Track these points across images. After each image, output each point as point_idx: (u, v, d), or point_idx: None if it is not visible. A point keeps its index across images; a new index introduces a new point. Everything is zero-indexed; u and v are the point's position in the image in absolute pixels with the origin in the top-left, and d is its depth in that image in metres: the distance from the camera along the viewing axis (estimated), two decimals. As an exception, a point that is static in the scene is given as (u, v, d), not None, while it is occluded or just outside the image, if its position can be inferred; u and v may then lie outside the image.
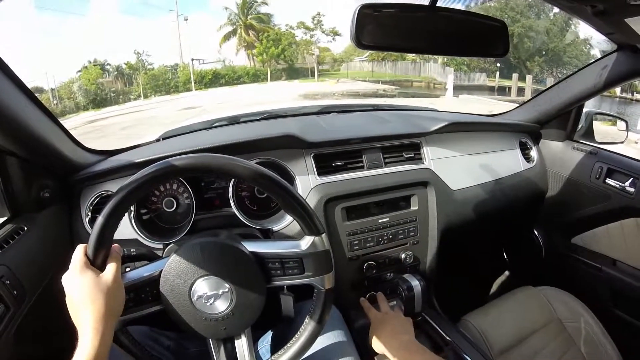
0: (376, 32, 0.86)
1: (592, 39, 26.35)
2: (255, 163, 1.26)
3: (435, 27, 0.90)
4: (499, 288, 2.26)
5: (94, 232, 0.78)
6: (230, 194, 1.29)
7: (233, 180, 1.29)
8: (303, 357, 0.95)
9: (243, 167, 0.82)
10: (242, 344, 0.94)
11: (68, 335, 0.78)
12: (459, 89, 23.65)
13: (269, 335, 1.17)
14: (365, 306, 1.33)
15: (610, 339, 1.38)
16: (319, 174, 1.38)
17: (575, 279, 1.84)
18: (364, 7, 0.83)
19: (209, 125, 1.76)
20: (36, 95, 1.05)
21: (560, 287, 1.57)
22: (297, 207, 0.86)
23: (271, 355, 0.96)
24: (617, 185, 1.63)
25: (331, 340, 1.12)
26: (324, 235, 0.89)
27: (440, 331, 1.33)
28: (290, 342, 0.94)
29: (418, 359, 1.04)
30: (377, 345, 1.16)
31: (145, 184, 0.80)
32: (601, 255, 1.74)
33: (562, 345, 1.38)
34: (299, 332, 0.94)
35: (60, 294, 0.77)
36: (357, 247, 1.40)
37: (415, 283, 1.35)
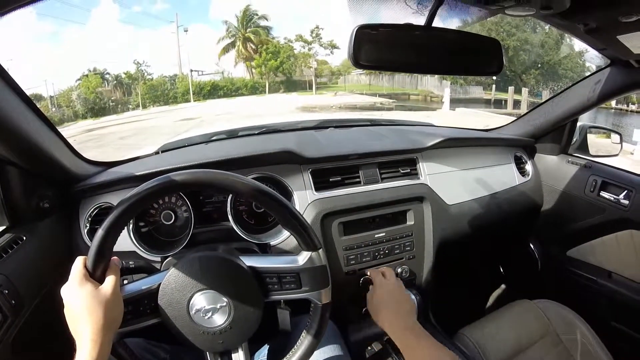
0: (373, 52, 0.88)
1: (587, 52, 26.55)
2: (254, 178, 1.28)
3: (431, 46, 0.92)
4: (495, 301, 2.26)
5: (93, 244, 0.78)
6: (228, 208, 1.30)
7: (231, 194, 1.30)
8: None
9: (242, 183, 0.84)
10: (239, 358, 0.94)
11: (65, 346, 0.78)
12: (455, 102, 23.74)
13: (265, 349, 1.17)
14: (373, 273, 1.31)
15: (607, 351, 1.38)
16: (316, 189, 1.39)
17: (572, 292, 1.85)
18: (362, 28, 0.85)
19: (208, 139, 1.76)
20: (35, 102, 1.06)
21: (557, 299, 1.57)
22: (295, 222, 0.87)
23: None
24: (612, 198, 1.64)
25: (327, 355, 1.12)
26: (321, 250, 0.90)
27: None
28: (287, 356, 0.94)
29: (423, 344, 1.02)
30: (380, 318, 1.15)
31: (146, 198, 0.81)
32: (597, 267, 1.75)
33: (558, 358, 1.38)
34: (295, 346, 0.94)
35: (58, 304, 0.78)
36: (353, 262, 1.41)
37: (412, 298, 1.35)
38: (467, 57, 0.97)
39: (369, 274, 1.33)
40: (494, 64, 0.99)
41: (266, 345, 1.19)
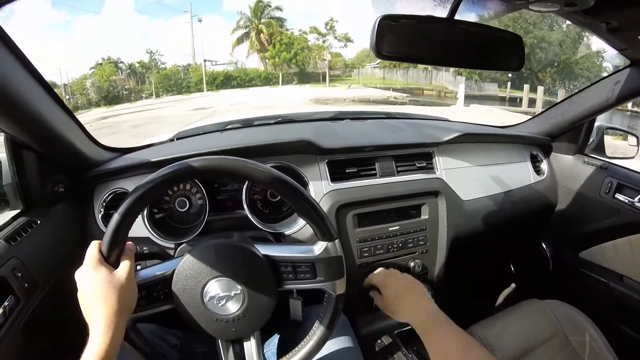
0: (395, 42, 0.87)
1: (605, 52, 26.21)
2: (271, 166, 1.28)
3: (452, 39, 0.91)
4: (505, 300, 2.25)
5: (109, 229, 0.79)
6: (243, 197, 1.30)
7: (247, 183, 1.30)
8: None
9: (259, 170, 0.84)
10: (250, 346, 0.94)
11: (78, 330, 0.78)
12: (469, 99, 23.52)
13: (275, 339, 1.18)
14: (374, 279, 1.30)
15: (615, 354, 1.37)
16: (332, 180, 1.39)
17: (582, 294, 1.84)
18: (384, 18, 0.84)
19: (223, 127, 1.76)
20: None
21: (567, 301, 1.56)
22: (312, 211, 0.87)
23: (278, 359, 0.97)
24: (627, 201, 1.62)
25: (338, 346, 1.13)
26: (337, 241, 0.90)
27: None
28: (299, 346, 0.95)
29: (442, 328, 1.01)
30: (400, 313, 1.14)
31: (163, 184, 0.81)
32: (608, 270, 1.73)
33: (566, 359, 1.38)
34: (307, 337, 0.95)
35: (72, 288, 0.79)
36: (366, 254, 1.41)
37: (419, 282, 1.34)
38: (489, 52, 0.97)
39: (372, 280, 1.31)
40: (516, 59, 0.98)
41: (276, 334, 1.19)
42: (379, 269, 1.33)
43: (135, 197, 0.79)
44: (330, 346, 1.11)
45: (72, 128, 1.19)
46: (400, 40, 0.88)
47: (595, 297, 1.76)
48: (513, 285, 2.29)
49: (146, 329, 1.09)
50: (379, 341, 1.33)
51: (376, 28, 0.84)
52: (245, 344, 0.95)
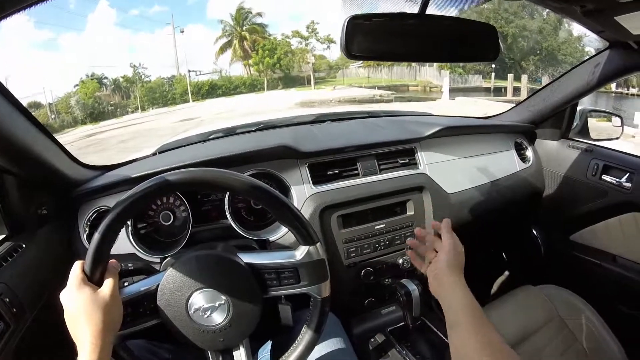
0: (366, 41, 0.87)
1: (587, 37, 26.45)
2: (251, 174, 1.28)
3: (425, 34, 0.91)
4: (499, 288, 2.25)
5: (90, 248, 0.79)
6: (226, 206, 1.30)
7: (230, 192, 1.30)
8: None
9: (236, 180, 0.84)
10: (240, 355, 0.94)
11: (68, 351, 0.78)
12: (455, 92, 23.68)
13: (268, 345, 1.16)
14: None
15: (612, 334, 1.38)
16: (314, 183, 1.38)
17: (575, 276, 1.85)
18: (354, 18, 0.84)
19: (205, 138, 1.75)
20: (34, 110, 1.06)
21: (561, 284, 1.56)
22: (291, 217, 0.87)
23: None
24: (614, 181, 1.63)
25: (330, 348, 1.13)
26: (318, 244, 0.90)
27: (441, 335, 1.32)
28: (288, 351, 0.94)
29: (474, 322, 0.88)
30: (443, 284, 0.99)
31: (141, 199, 0.81)
32: (600, 251, 1.74)
33: (564, 343, 1.37)
34: (296, 342, 0.94)
35: (60, 310, 0.78)
36: (354, 255, 1.41)
37: (413, 288, 1.32)
38: (463, 44, 0.96)
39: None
40: (491, 50, 0.98)
41: (269, 341, 1.18)
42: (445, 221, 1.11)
43: (114, 215, 0.79)
44: (322, 348, 1.11)
45: (52, 149, 1.18)
46: (371, 39, 0.87)
47: (589, 278, 1.77)
48: (506, 273, 2.30)
49: (137, 344, 1.09)
50: (372, 340, 1.32)
51: (345, 29, 0.84)
52: (235, 353, 0.94)
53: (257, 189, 0.85)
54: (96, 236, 0.78)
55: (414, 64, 29.24)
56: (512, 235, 2.21)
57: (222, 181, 0.83)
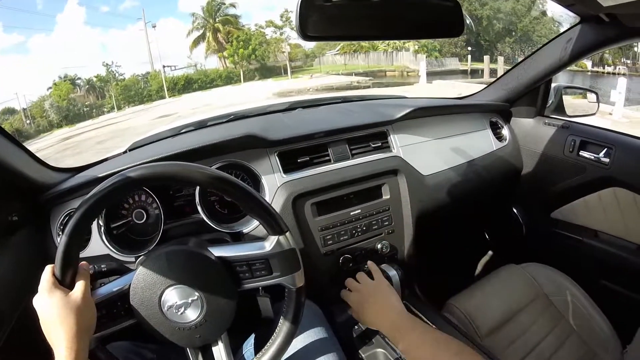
0: (322, 22, 0.84)
1: (562, 17, 26.82)
2: (220, 166, 1.25)
3: (386, 12, 0.88)
4: (482, 268, 2.27)
5: (59, 251, 0.78)
6: (197, 200, 1.26)
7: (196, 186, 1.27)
8: (284, 357, 0.95)
9: (199, 172, 0.81)
10: (219, 350, 0.93)
11: (49, 357, 0.77)
12: (432, 75, 23.90)
13: (252, 339, 1.15)
14: (344, 293, 1.25)
15: (599, 309, 1.39)
16: (285, 172, 1.36)
17: (558, 253, 1.86)
18: (307, -3, 0.81)
19: (176, 132, 1.72)
20: (8, 116, 1.02)
21: (544, 262, 1.58)
22: (257, 207, 0.86)
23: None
24: (592, 157, 1.63)
25: (313, 338, 1.11)
26: (287, 233, 0.88)
27: (425, 319, 1.30)
28: (267, 344, 0.93)
29: (411, 336, 0.98)
30: (364, 319, 1.14)
31: (103, 198, 0.79)
32: (582, 227, 1.75)
33: (551, 320, 1.39)
34: (274, 334, 0.93)
35: (37, 316, 0.77)
36: (330, 242, 1.38)
37: (393, 273, 1.30)
38: (427, 20, 0.93)
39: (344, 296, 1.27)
40: (455, 25, 0.95)
41: (252, 334, 1.17)
42: (347, 281, 1.27)
43: (78, 216, 0.77)
44: (304, 339, 1.09)
45: (16, 154, 1.15)
46: (327, 19, 0.84)
47: (571, 255, 1.78)
48: (489, 253, 2.31)
49: (121, 346, 1.08)
50: (356, 327, 1.30)
51: (299, 9, 0.80)
52: (214, 349, 0.93)
53: (220, 180, 0.83)
54: (63, 239, 0.77)
55: (390, 49, 29.45)
56: (493, 215, 2.22)
57: (185, 174, 0.81)
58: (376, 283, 1.20)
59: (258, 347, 1.08)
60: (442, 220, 1.80)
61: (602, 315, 1.37)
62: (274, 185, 1.34)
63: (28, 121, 26.08)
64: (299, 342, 1.03)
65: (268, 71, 32.69)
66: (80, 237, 0.80)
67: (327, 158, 1.42)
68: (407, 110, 1.54)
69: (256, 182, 1.34)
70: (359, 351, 1.21)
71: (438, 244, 2.01)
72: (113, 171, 1.15)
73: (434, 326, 1.13)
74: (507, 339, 1.33)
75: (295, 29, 0.84)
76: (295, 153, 1.39)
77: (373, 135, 1.52)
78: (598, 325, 1.36)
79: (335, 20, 0.85)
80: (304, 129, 1.43)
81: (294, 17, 0.82)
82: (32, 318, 0.80)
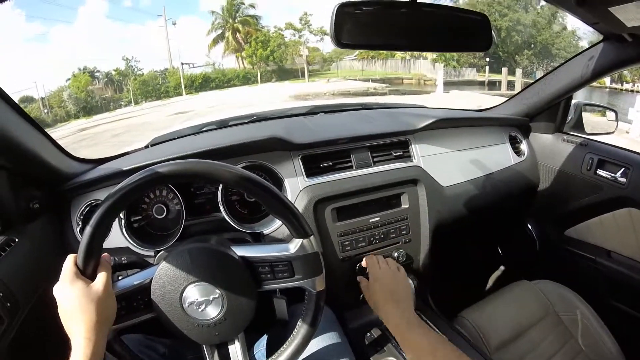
0: (356, 30, 0.86)
1: (579, 29, 26.59)
2: (243, 167, 1.26)
3: (417, 24, 0.90)
4: (494, 283, 2.25)
5: (82, 242, 0.78)
6: (219, 199, 1.28)
7: (221, 184, 1.28)
8: None
9: (227, 171, 0.82)
10: (236, 349, 0.93)
11: (63, 346, 0.77)
12: (449, 85, 23.74)
13: (264, 339, 1.16)
14: (369, 261, 1.29)
15: (608, 330, 1.38)
16: (308, 176, 1.36)
17: (570, 272, 1.84)
18: (343, 6, 0.83)
19: (198, 130, 1.73)
20: (26, 104, 1.05)
21: (556, 280, 1.57)
22: (284, 209, 0.86)
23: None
24: (609, 176, 1.62)
25: (326, 342, 1.12)
26: (312, 237, 0.89)
27: (436, 329, 1.31)
28: (284, 345, 0.94)
29: (414, 331, 1.02)
30: (379, 310, 1.16)
31: (131, 192, 0.80)
32: (595, 246, 1.74)
33: (559, 338, 1.38)
34: (292, 336, 0.94)
35: (54, 304, 0.77)
36: (348, 248, 1.39)
37: (409, 282, 1.32)
38: (455, 34, 0.96)
39: (364, 263, 1.30)
40: (484, 39, 0.97)
41: (265, 335, 1.18)
42: (378, 256, 1.31)
43: (105, 208, 0.78)
44: (318, 342, 1.10)
45: (42, 143, 1.17)
46: (361, 27, 0.87)
47: (583, 274, 1.76)
48: (501, 267, 2.29)
49: (134, 339, 1.09)
50: (368, 334, 1.31)
51: (334, 17, 0.82)
52: (230, 347, 0.94)
53: (248, 181, 0.84)
54: (88, 230, 0.78)
55: (408, 56, 29.34)
56: (507, 230, 2.21)
57: (214, 173, 0.82)
58: (402, 276, 1.23)
59: (270, 348, 1.09)
60: (458, 232, 1.80)
61: (610, 337, 1.36)
62: (297, 188, 1.35)
63: (45, 110, 26.25)
64: (312, 346, 1.02)
65: (285, 73, 32.68)
66: (105, 229, 0.80)
67: (350, 164, 1.43)
68: (430, 121, 1.54)
69: (278, 184, 1.35)
70: (371, 358, 1.22)
71: (452, 256, 2.00)
72: (138, 165, 1.18)
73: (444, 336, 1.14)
74: (517, 355, 1.33)
75: (330, 36, 0.85)
76: (318, 157, 1.40)
77: (395, 144, 1.52)
78: (606, 346, 1.35)
79: (367, 28, 0.88)
80: (327, 134, 1.44)
81: (328, 25, 0.84)
82: (48, 306, 0.81)
